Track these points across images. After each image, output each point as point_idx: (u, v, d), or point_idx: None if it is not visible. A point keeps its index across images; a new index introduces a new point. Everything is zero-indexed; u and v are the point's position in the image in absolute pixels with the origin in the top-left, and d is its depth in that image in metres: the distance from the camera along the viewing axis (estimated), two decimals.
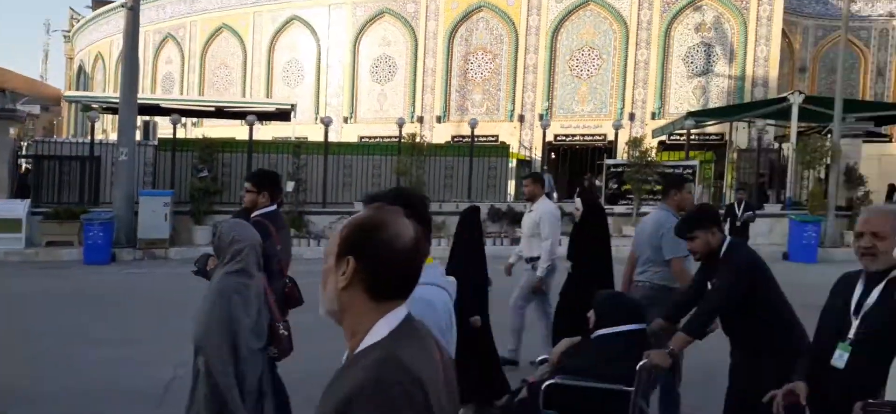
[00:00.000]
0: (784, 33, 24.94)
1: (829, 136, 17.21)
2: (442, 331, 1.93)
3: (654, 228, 5.01)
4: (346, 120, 27.13)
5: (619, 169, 18.01)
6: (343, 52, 27.40)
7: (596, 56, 25.36)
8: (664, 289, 4.87)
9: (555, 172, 23.86)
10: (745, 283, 3.64)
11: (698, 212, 4.05)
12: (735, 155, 20.40)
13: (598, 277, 5.04)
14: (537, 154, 23.22)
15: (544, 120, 22.75)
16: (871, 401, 2.22)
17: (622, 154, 19.46)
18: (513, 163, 21.21)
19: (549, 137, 22.85)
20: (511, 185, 19.87)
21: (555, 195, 20.51)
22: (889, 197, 17.72)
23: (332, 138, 19.95)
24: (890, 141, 25.25)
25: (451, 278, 2.18)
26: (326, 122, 17.95)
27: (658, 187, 17.01)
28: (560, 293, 5.91)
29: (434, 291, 2.03)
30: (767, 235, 15.74)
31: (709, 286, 3.83)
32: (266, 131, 22.63)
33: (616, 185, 18.01)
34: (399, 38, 26.96)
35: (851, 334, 2.64)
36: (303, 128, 25.03)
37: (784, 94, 19.15)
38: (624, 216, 17.15)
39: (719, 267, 3.76)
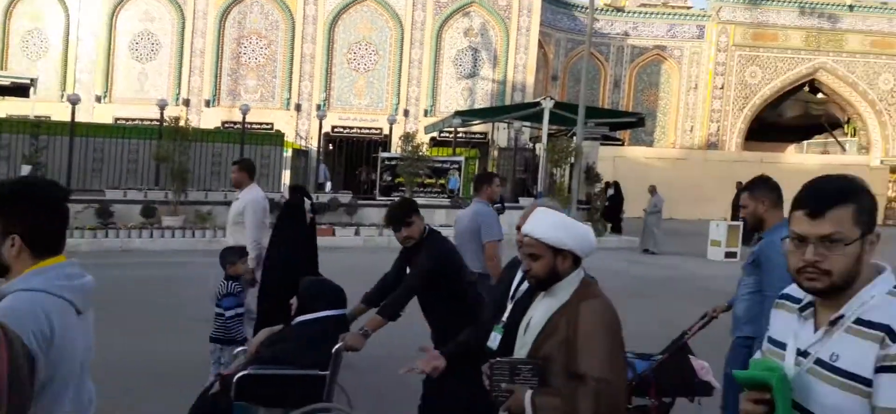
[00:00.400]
0: (540, 44, 27.51)
1: (573, 138, 19.30)
2: (34, 342, 1.61)
3: (472, 217, 5.37)
4: (98, 99, 24.53)
5: (393, 162, 18.58)
6: (97, 25, 24.72)
7: (373, 51, 25.81)
8: (483, 275, 5.14)
9: (332, 163, 23.90)
10: (442, 266, 3.96)
11: (410, 202, 4.25)
12: (496, 152, 22.05)
13: (303, 266, 5.04)
14: (314, 144, 23.04)
15: (321, 110, 22.64)
16: (497, 359, 2.26)
17: (396, 148, 20.06)
18: (288, 152, 20.80)
19: (327, 128, 22.76)
20: (286, 175, 19.47)
21: (328, 186, 20.59)
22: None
23: (83, 118, 17.97)
24: (622, 144, 29.08)
25: (86, 281, 1.84)
26: (73, 100, 16.12)
27: (428, 180, 17.99)
28: (261, 284, 5.67)
29: (26, 296, 1.69)
30: None
31: (408, 271, 4.07)
32: None
33: (390, 178, 18.58)
34: (164, 15, 25.02)
35: (505, 317, 2.78)
36: (45, 106, 22.18)
37: (538, 99, 21.12)
38: None
39: (420, 252, 4.01)
